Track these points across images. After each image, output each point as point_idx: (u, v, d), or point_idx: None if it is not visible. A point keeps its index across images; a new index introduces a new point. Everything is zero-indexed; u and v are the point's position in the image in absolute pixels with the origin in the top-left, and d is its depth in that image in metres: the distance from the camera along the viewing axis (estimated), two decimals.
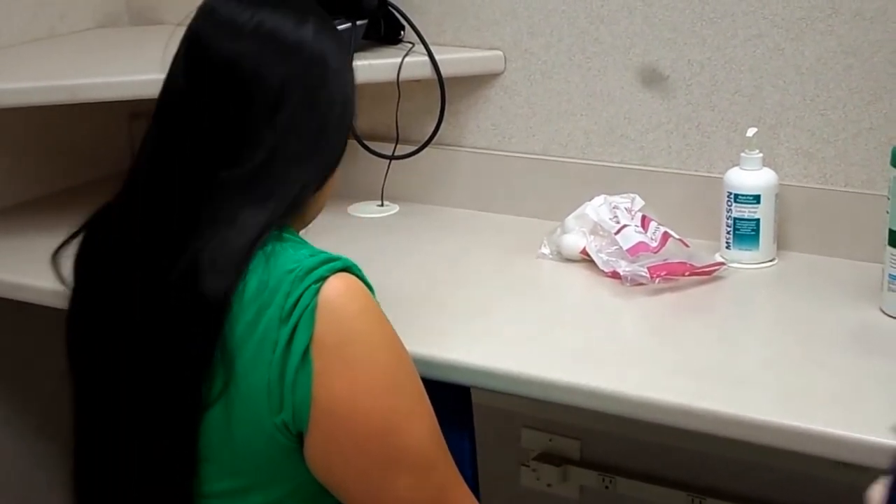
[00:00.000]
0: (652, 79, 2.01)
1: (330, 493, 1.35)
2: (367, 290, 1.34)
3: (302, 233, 1.46)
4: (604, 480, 2.26)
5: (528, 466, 2.33)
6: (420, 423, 1.34)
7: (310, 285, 1.28)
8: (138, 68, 1.92)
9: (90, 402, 1.41)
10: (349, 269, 1.33)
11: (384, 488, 1.32)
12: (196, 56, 1.36)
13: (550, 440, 2.32)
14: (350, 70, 1.44)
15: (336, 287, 1.29)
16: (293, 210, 1.36)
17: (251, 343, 1.28)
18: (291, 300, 1.27)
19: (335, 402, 1.28)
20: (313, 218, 1.48)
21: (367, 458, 1.31)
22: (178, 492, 1.34)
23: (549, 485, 2.32)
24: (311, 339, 1.27)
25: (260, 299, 1.28)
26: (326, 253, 1.34)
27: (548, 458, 2.32)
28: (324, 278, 1.29)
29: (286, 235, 1.36)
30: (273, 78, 1.34)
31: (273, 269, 1.29)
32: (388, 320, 1.36)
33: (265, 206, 1.32)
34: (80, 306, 1.42)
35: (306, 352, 1.27)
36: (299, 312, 1.27)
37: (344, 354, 1.29)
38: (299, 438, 1.30)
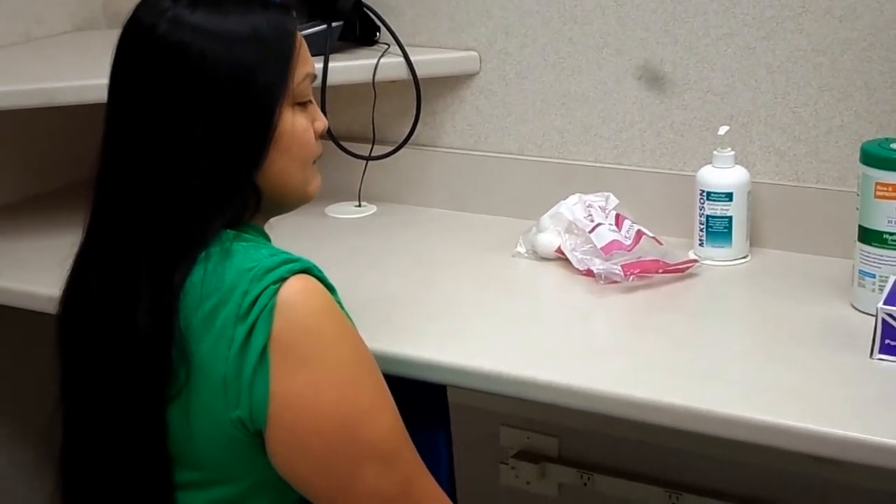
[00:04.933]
0: (653, 78, 2.02)
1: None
2: (326, 291, 1.35)
3: (279, 231, 1.48)
4: (582, 477, 2.27)
5: (507, 464, 2.35)
6: (382, 415, 1.35)
7: (269, 285, 1.29)
8: None
9: (75, 398, 1.44)
10: (308, 270, 1.34)
11: (351, 480, 1.33)
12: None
13: (528, 438, 2.33)
14: (242, 40, 1.37)
15: (295, 287, 1.31)
16: (236, 209, 1.38)
17: (208, 339, 1.30)
18: (249, 298, 1.29)
19: (295, 398, 1.30)
20: (286, 204, 1.48)
21: (332, 452, 1.32)
22: (153, 483, 1.36)
23: (527, 482, 2.33)
24: (268, 337, 1.29)
25: (216, 296, 1.30)
26: (286, 253, 1.35)
27: (526, 455, 2.33)
28: (283, 279, 1.30)
29: (246, 235, 1.38)
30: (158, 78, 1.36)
31: (231, 267, 1.31)
32: (347, 318, 1.37)
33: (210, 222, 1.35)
34: (70, 305, 1.44)
35: (264, 350, 1.29)
36: (257, 311, 1.29)
37: (302, 352, 1.30)
38: (258, 435, 1.32)
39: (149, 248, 1.34)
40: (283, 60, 1.40)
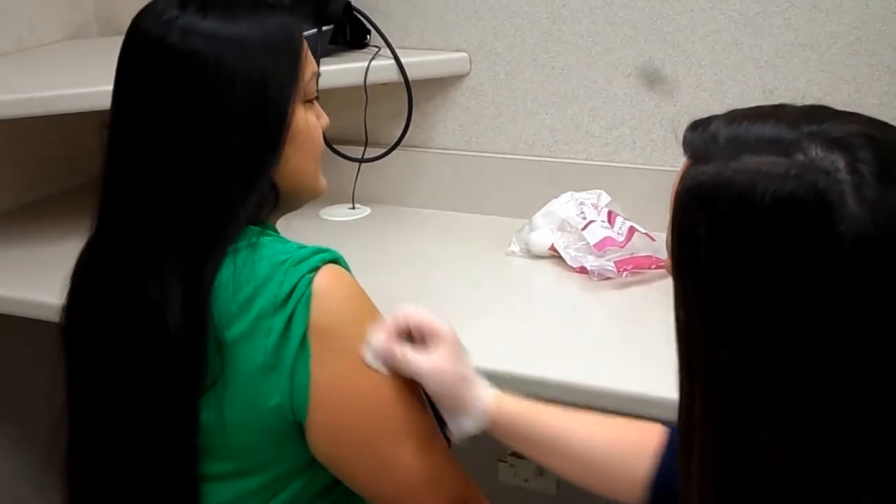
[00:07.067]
0: (653, 78, 2.03)
1: (324, 469, 1.38)
2: (355, 279, 1.38)
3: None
4: None
5: (505, 462, 2.35)
6: (417, 392, 1.39)
7: (304, 274, 1.32)
8: (109, 79, 1.94)
9: (85, 401, 1.43)
10: (337, 259, 1.37)
11: (392, 460, 1.36)
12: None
13: None
14: (255, 45, 1.37)
15: (329, 275, 1.33)
16: (257, 207, 1.39)
17: (243, 330, 1.31)
18: (286, 288, 1.30)
19: (336, 381, 1.33)
20: (299, 200, 1.48)
21: (376, 432, 1.35)
22: (181, 477, 1.37)
23: (526, 480, 2.34)
24: (307, 325, 1.31)
25: (250, 288, 1.31)
26: (313, 245, 1.37)
27: None
28: (317, 268, 1.33)
29: (269, 231, 1.39)
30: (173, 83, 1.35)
31: (261, 259, 1.33)
32: (374, 305, 1.40)
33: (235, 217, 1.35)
34: (77, 310, 1.44)
35: (304, 338, 1.31)
36: (296, 300, 1.30)
37: (340, 337, 1.33)
38: (295, 421, 1.33)
39: (175, 249, 1.34)
40: (294, 61, 1.41)
